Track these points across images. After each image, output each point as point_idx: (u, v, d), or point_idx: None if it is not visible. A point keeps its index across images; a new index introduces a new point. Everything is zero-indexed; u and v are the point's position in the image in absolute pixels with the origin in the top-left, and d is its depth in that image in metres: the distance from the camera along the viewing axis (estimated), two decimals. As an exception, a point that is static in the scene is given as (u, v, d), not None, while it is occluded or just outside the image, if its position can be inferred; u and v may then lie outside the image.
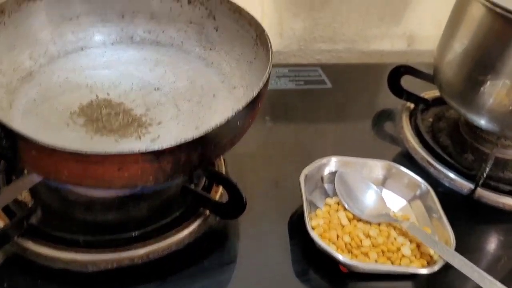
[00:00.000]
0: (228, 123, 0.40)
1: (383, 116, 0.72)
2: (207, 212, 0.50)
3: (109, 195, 0.48)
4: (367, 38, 0.88)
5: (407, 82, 0.71)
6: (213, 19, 0.57)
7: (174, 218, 0.48)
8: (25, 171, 0.48)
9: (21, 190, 0.43)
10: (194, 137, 0.38)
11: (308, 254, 0.49)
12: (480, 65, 0.56)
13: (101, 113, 0.50)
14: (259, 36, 0.52)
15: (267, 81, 0.45)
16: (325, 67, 0.80)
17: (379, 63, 0.89)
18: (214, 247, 0.48)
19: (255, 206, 0.51)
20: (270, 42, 0.49)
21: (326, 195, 0.55)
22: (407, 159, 0.64)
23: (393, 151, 0.66)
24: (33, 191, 0.48)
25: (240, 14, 0.54)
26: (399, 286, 0.48)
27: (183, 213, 0.49)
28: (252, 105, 0.42)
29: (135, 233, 0.46)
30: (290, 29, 0.82)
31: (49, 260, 0.43)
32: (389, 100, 0.73)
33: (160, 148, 0.37)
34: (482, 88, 0.56)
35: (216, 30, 0.58)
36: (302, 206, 0.54)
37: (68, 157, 0.36)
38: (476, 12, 0.55)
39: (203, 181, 0.52)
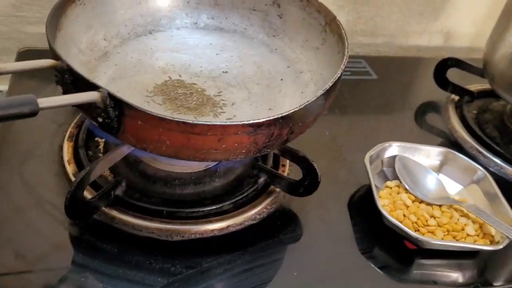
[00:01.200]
0: (316, 101, 0.42)
1: (428, 107, 0.75)
2: (277, 189, 0.52)
3: (186, 170, 0.50)
4: (406, 33, 0.90)
5: (450, 75, 0.73)
6: (278, 7, 0.59)
7: (247, 195, 0.50)
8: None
9: (113, 162, 0.45)
10: (289, 112, 0.40)
11: (371, 232, 0.51)
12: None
13: (178, 93, 0.52)
14: (328, 23, 0.54)
15: (346, 61, 0.47)
16: (368, 59, 0.82)
17: (420, 56, 0.91)
18: (283, 223, 0.50)
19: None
20: (343, 29, 0.51)
21: (386, 178, 0.57)
22: (456, 149, 0.66)
23: (440, 141, 0.68)
24: (112, 167, 0.50)
25: (308, 1, 0.56)
26: (462, 263, 0.50)
27: (254, 191, 0.51)
28: (334, 86, 0.44)
29: (214, 207, 0.48)
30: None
31: (136, 228, 0.45)
32: (431, 92, 0.75)
33: (259, 121, 0.39)
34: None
35: (280, 17, 0.60)
36: (360, 188, 0.56)
37: (174, 127, 0.38)
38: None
39: (270, 160, 0.54)
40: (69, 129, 0.54)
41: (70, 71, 0.40)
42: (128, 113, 0.38)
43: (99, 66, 0.53)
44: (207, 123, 0.38)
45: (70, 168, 0.49)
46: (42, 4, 0.70)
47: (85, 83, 0.39)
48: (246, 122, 0.38)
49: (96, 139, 0.54)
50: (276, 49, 0.60)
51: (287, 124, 0.41)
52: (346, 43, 0.49)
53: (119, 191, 0.47)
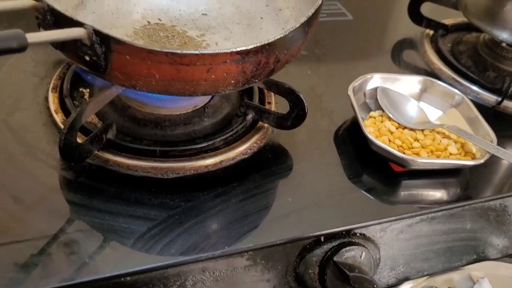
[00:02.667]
0: (300, 27, 0.43)
1: (404, 44, 0.76)
2: (266, 125, 0.53)
3: (175, 112, 0.51)
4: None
5: (424, 10, 0.75)
6: None
7: (236, 131, 0.51)
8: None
9: (103, 103, 0.45)
10: (276, 38, 0.40)
11: (357, 159, 0.53)
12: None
13: (159, 36, 0.52)
14: (304, -43, 0.54)
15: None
16: (342, 0, 0.83)
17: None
18: (274, 156, 0.52)
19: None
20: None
21: (369, 109, 0.58)
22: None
23: (416, 74, 0.70)
24: (100, 113, 0.50)
25: None
26: (446, 181, 0.52)
27: (244, 128, 0.52)
28: (315, 14, 0.45)
29: (206, 144, 0.49)
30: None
31: (131, 168, 0.46)
32: (406, 28, 0.77)
33: (247, 48, 0.39)
34: (508, 4, 0.60)
35: (255, -44, 0.59)
36: (344, 122, 0.58)
37: (162, 59, 0.38)
38: None
39: (256, 98, 0.55)
40: (52, 81, 0.53)
41: (52, 10, 0.39)
42: (115, 48, 0.38)
43: (76, 15, 0.52)
44: (196, 52, 0.38)
45: (58, 117, 0.49)
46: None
47: (68, 21, 0.39)
48: (234, 50, 0.39)
49: (81, 89, 0.54)
50: (253, -12, 0.60)
51: (273, 51, 0.42)
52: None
53: (110, 135, 0.47)
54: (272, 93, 0.56)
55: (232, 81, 0.42)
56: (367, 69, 0.69)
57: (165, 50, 0.38)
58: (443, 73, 0.67)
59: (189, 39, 0.52)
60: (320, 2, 0.45)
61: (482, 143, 0.51)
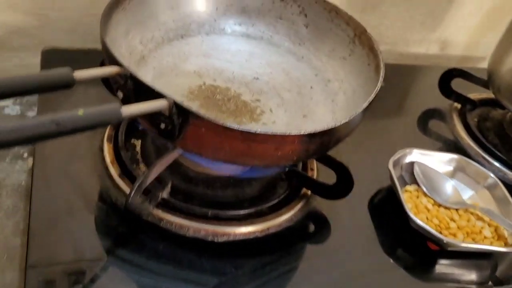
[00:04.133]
0: (361, 113, 0.45)
1: (432, 115, 0.79)
2: (309, 193, 0.54)
3: (224, 174, 0.53)
4: (407, 41, 0.94)
5: (453, 83, 0.78)
6: (304, 16, 0.62)
7: (282, 197, 0.53)
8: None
9: (165, 165, 0.47)
10: (342, 122, 0.43)
11: (394, 234, 0.55)
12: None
13: (216, 98, 0.54)
14: (358, 35, 0.57)
15: (382, 77, 0.50)
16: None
17: (421, 64, 0.96)
18: (315, 225, 0.53)
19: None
20: (375, 42, 0.54)
21: (404, 182, 0.60)
22: (461, 154, 0.70)
23: (446, 147, 0.73)
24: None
25: (337, 13, 0.59)
26: (479, 263, 0.54)
27: (289, 194, 0.54)
28: (370, 105, 0.47)
29: (254, 210, 0.50)
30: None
31: (183, 228, 0.47)
32: (433, 99, 0.80)
33: (316, 131, 0.41)
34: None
35: (306, 27, 0.62)
36: (379, 191, 0.60)
37: (237, 135, 0.40)
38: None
39: (300, 164, 0.57)
40: (107, 131, 0.55)
41: (133, 78, 0.41)
42: (192, 121, 0.40)
43: (138, 70, 0.55)
44: (269, 133, 0.40)
45: (114, 169, 0.50)
46: (62, 2, 0.70)
47: (148, 90, 0.40)
48: (304, 133, 0.41)
49: (132, 141, 0.55)
50: (302, 57, 0.62)
51: (336, 134, 0.44)
52: (379, 56, 0.53)
53: (165, 193, 0.48)
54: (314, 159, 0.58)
55: (295, 158, 0.44)
56: (396, 137, 0.72)
57: (241, 129, 0.39)
58: (472, 149, 0.70)
59: (244, 103, 0.54)
60: (379, 87, 0.48)
61: (516, 230, 0.53)
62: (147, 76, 0.54)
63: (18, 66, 0.74)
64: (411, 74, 0.89)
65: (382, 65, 0.51)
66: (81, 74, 0.38)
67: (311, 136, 0.42)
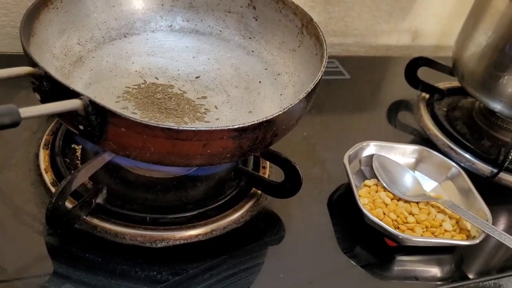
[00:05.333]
0: (299, 104, 0.42)
1: (400, 106, 0.76)
2: (259, 192, 0.52)
3: (167, 176, 0.50)
4: (376, 32, 0.92)
5: (420, 73, 0.75)
6: (253, 9, 0.60)
7: (229, 198, 0.50)
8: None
9: (94, 169, 0.44)
10: (274, 115, 0.40)
11: (351, 231, 0.52)
12: (502, 57, 0.60)
13: (157, 97, 0.51)
14: (305, 25, 0.54)
15: (325, 64, 0.47)
16: (340, 59, 0.83)
17: (390, 56, 0.93)
18: (266, 226, 0.51)
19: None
20: (321, 31, 0.51)
21: (364, 177, 0.58)
22: (428, 146, 0.67)
23: (413, 138, 0.70)
24: (92, 174, 0.49)
25: (284, 3, 0.56)
26: (440, 258, 0.51)
27: (236, 194, 0.51)
28: (314, 89, 0.45)
29: (197, 212, 0.48)
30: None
31: (119, 236, 0.45)
32: (402, 90, 0.77)
33: (244, 125, 0.39)
34: (503, 78, 0.60)
35: (256, 19, 0.60)
36: (338, 188, 0.57)
37: (158, 133, 0.37)
38: (500, 5, 0.59)
39: (251, 163, 0.55)
40: (44, 136, 0.52)
41: (48, 78, 0.39)
42: (111, 121, 0.38)
43: (74, 72, 0.52)
44: (193, 128, 0.37)
45: (48, 177, 0.48)
46: (8, 8, 0.68)
47: (64, 90, 0.38)
48: (232, 127, 0.38)
49: (73, 146, 0.53)
50: (252, 51, 0.60)
51: (271, 127, 0.41)
52: (324, 45, 0.50)
53: (100, 199, 0.46)
54: (267, 157, 0.55)
55: (228, 155, 0.41)
56: (361, 132, 0.70)
57: (161, 125, 0.37)
58: (438, 139, 0.67)
59: (187, 101, 0.52)
60: (320, 77, 0.45)
61: (478, 221, 0.50)
62: (83, 77, 0.52)
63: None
64: (380, 65, 0.87)
65: (325, 54, 0.48)
66: (-17, 75, 0.36)
67: (241, 130, 0.39)
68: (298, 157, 0.59)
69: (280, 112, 0.40)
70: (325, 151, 0.63)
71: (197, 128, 0.38)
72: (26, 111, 0.33)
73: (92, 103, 0.37)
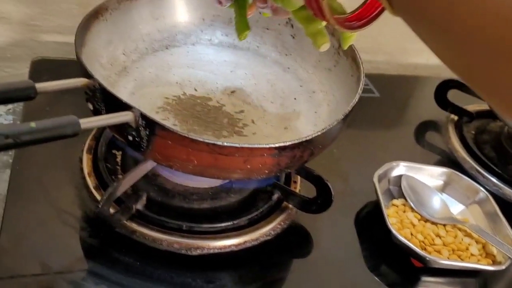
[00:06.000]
0: (336, 125, 0.44)
1: (428, 126, 0.77)
2: (290, 206, 0.53)
3: (203, 186, 0.52)
4: (406, 51, 0.93)
5: (449, 94, 0.76)
6: (291, 27, 0.61)
7: (262, 211, 0.52)
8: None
9: (137, 178, 0.47)
10: (313, 135, 0.42)
11: (378, 249, 0.53)
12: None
13: (196, 110, 0.53)
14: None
15: (362, 87, 0.49)
16: (370, 77, 0.84)
17: (419, 75, 0.94)
18: (296, 239, 0.52)
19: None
20: (358, 54, 0.53)
21: (391, 196, 0.59)
22: (456, 168, 0.68)
23: (440, 159, 0.71)
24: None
25: (322, 24, 0.58)
26: (465, 281, 0.52)
27: (268, 207, 0.53)
28: (351, 111, 0.46)
29: (231, 223, 0.49)
30: (337, 39, 0.87)
31: (157, 241, 0.46)
32: (431, 110, 0.78)
33: (285, 144, 0.40)
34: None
35: (293, 37, 0.62)
36: (366, 205, 0.59)
37: (203, 148, 0.39)
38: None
39: (283, 177, 0.56)
40: (87, 141, 0.54)
41: (102, 90, 0.41)
42: (159, 133, 0.40)
43: (119, 81, 0.55)
44: (236, 145, 0.39)
45: (91, 181, 0.50)
46: (55, 14, 0.71)
47: (116, 102, 0.40)
48: (273, 146, 0.40)
49: (114, 151, 0.55)
50: (288, 68, 0.62)
51: (309, 147, 0.43)
52: (361, 67, 0.51)
53: (139, 205, 0.48)
54: (298, 172, 0.57)
55: (266, 171, 0.43)
56: (390, 149, 0.71)
57: (207, 140, 0.39)
58: (466, 162, 0.68)
59: (225, 115, 0.54)
60: (356, 100, 0.47)
61: (504, 247, 0.51)
62: (127, 87, 0.54)
63: (13, 75, 0.74)
64: (409, 84, 0.88)
65: (362, 76, 0.50)
66: (44, 86, 0.38)
67: (281, 149, 0.41)
68: (327, 173, 0.61)
69: (319, 133, 0.42)
70: (353, 168, 0.64)
71: (240, 145, 0.39)
72: (86, 122, 0.35)
73: (143, 116, 0.39)
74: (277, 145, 0.40)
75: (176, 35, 0.62)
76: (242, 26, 0.46)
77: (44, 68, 0.66)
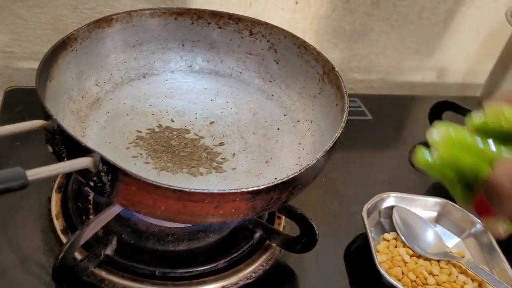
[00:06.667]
0: (317, 163, 0.41)
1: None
2: (274, 245, 0.50)
3: (179, 225, 0.49)
4: (401, 69, 0.90)
5: (444, 116, 0.73)
6: (274, 52, 0.58)
7: (242, 251, 0.49)
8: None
9: (105, 222, 0.43)
10: (289, 177, 0.38)
11: (369, 289, 0.50)
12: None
13: (172, 144, 0.50)
14: (326, 73, 0.53)
15: (345, 120, 0.46)
16: (362, 98, 0.81)
17: (414, 95, 0.91)
18: (280, 281, 0.49)
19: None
20: (343, 81, 0.50)
21: (383, 229, 0.56)
22: (450, 195, 0.65)
23: (434, 184, 0.68)
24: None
25: (306, 49, 0.55)
26: (462, 324, 0.49)
27: (250, 246, 0.49)
28: (334, 145, 0.43)
29: (208, 266, 0.46)
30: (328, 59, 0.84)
31: (127, 291, 0.43)
32: (425, 131, 0.75)
33: (258, 188, 0.37)
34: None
35: (277, 63, 0.59)
36: (356, 238, 0.55)
37: (169, 195, 0.36)
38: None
39: (266, 214, 0.53)
40: (58, 179, 0.52)
41: (61, 131, 0.38)
42: (121, 179, 0.37)
43: (90, 114, 0.52)
44: (204, 191, 0.36)
45: (58, 224, 0.47)
46: (30, 40, 0.68)
47: (76, 145, 0.37)
48: (245, 190, 0.37)
49: (86, 189, 0.52)
50: (272, 95, 0.59)
51: (287, 188, 0.40)
52: (345, 97, 0.48)
53: (109, 250, 0.45)
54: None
55: (241, 215, 0.40)
56: (384, 175, 0.68)
57: (172, 187, 0.36)
58: (462, 189, 0.65)
59: (202, 149, 0.51)
60: (339, 134, 0.44)
61: (502, 287, 0.48)
62: (98, 120, 0.51)
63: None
64: (404, 105, 0.85)
65: (346, 107, 0.47)
66: (-5, 131, 0.35)
67: (255, 193, 0.38)
68: (314, 205, 0.58)
69: (296, 174, 0.39)
70: (343, 198, 0.61)
71: (209, 191, 0.36)
72: (34, 174, 0.32)
73: (104, 160, 0.36)
74: (250, 189, 0.37)
75: (154, 62, 0.59)
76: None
77: (17, 98, 0.63)
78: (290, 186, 0.40)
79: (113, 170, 0.36)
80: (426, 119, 0.74)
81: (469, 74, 0.95)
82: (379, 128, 0.77)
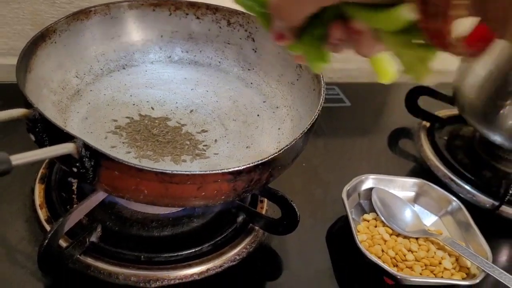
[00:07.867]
0: (295, 144, 0.42)
1: (401, 134, 0.76)
2: (257, 228, 0.51)
3: (164, 212, 0.50)
4: (377, 58, 0.91)
5: (421, 101, 0.75)
6: (252, 40, 0.60)
7: (226, 235, 0.50)
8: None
9: (88, 209, 0.44)
10: (269, 157, 0.40)
11: (350, 268, 0.51)
12: (502, 88, 0.60)
13: (153, 133, 0.51)
14: (303, 59, 0.54)
15: (322, 103, 0.47)
16: (341, 86, 0.83)
17: (394, 82, 0.93)
18: (263, 263, 0.50)
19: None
20: (319, 66, 0.51)
21: (363, 210, 0.57)
22: (428, 176, 0.67)
23: (413, 167, 0.70)
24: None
25: (282, 37, 0.56)
26: (440, 297, 0.50)
27: (233, 230, 0.50)
28: (311, 128, 0.44)
29: (193, 250, 0.47)
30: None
31: (112, 276, 0.44)
32: (403, 118, 0.77)
33: (239, 168, 0.38)
34: (503, 110, 0.60)
35: (255, 51, 0.60)
36: (337, 220, 0.57)
37: (152, 177, 0.37)
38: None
39: (248, 197, 0.54)
40: (41, 170, 0.52)
41: (43, 119, 0.39)
42: (104, 164, 0.37)
43: (71, 105, 0.52)
44: (186, 172, 0.37)
45: (42, 214, 0.47)
46: (9, 36, 0.68)
47: (58, 132, 0.38)
48: (226, 171, 0.38)
49: (70, 179, 0.52)
50: (251, 83, 0.60)
51: (266, 169, 0.41)
52: (322, 81, 0.50)
53: (94, 237, 0.45)
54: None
55: (223, 197, 0.41)
56: (362, 159, 0.69)
57: (154, 170, 0.37)
58: (439, 170, 0.67)
59: (184, 136, 0.51)
60: (316, 116, 0.45)
61: (478, 260, 0.49)
62: (80, 111, 0.52)
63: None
64: (381, 92, 0.86)
65: (323, 91, 0.48)
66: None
67: (236, 173, 0.39)
68: (296, 189, 0.59)
69: (276, 154, 0.40)
70: (324, 181, 0.62)
71: (191, 172, 0.37)
72: (17, 158, 0.33)
73: (86, 146, 0.37)
74: (231, 169, 0.38)
75: (133, 53, 0.60)
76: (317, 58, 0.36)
77: (-3, 93, 0.63)
78: (270, 167, 0.41)
79: (96, 155, 0.37)
80: (402, 105, 0.76)
81: (444, 61, 0.97)
82: (358, 114, 0.78)
